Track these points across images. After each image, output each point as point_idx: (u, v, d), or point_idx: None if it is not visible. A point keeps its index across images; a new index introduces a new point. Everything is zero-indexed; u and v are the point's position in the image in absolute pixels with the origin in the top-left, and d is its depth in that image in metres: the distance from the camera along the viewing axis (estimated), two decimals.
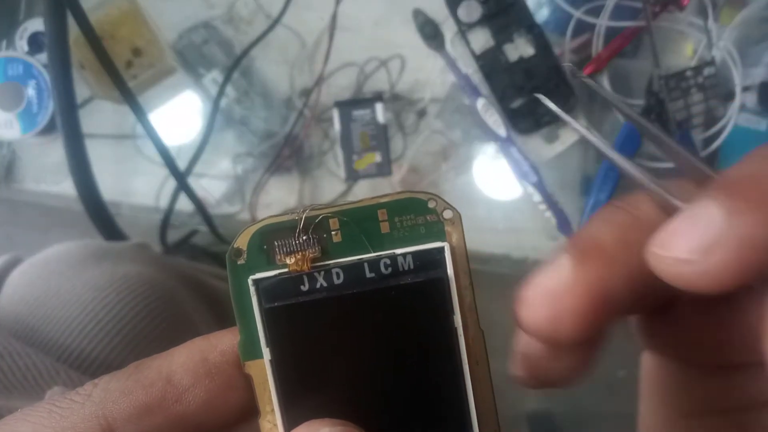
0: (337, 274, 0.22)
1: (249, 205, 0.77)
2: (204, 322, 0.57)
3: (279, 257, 0.22)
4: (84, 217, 0.59)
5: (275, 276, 0.22)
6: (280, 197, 0.78)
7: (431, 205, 0.22)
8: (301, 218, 0.21)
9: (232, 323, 0.23)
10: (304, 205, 0.22)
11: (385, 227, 0.22)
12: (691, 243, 0.16)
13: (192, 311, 0.56)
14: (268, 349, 0.22)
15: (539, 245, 0.74)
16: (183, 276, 0.59)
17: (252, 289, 0.22)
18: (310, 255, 0.22)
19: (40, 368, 0.43)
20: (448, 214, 0.22)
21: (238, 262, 0.22)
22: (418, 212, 0.22)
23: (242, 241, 0.22)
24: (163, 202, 0.75)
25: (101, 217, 0.60)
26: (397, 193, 0.22)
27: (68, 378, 0.43)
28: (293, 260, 0.22)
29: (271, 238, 0.22)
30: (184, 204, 0.73)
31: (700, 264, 0.16)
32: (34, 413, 0.21)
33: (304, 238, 0.22)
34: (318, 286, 0.22)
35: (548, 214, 0.72)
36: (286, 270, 0.22)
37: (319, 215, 0.22)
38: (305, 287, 0.22)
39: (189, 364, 0.22)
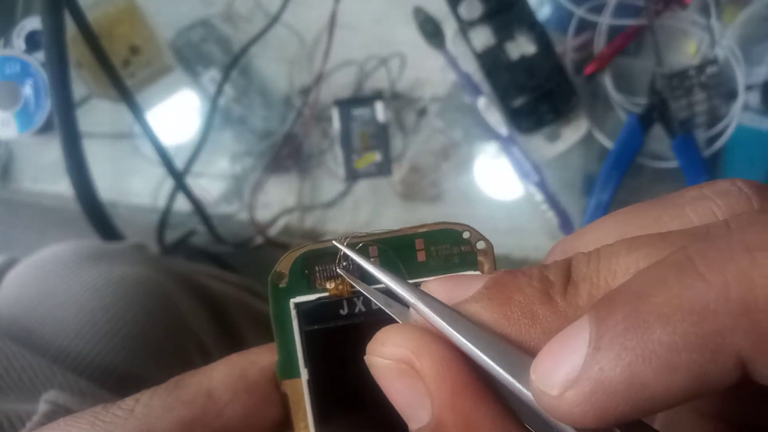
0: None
1: (247, 205, 0.77)
2: (201, 324, 0.57)
3: (319, 282, 0.23)
4: (81, 217, 0.59)
5: (316, 300, 0.23)
6: (279, 197, 0.78)
7: (466, 236, 0.23)
8: (342, 245, 0.22)
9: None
10: (345, 234, 0.23)
11: (421, 256, 0.23)
12: (554, 373, 0.16)
13: (189, 312, 0.55)
14: (306, 370, 0.23)
15: (541, 245, 0.73)
16: (180, 277, 0.58)
17: (293, 312, 0.23)
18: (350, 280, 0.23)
19: (37, 370, 0.42)
20: (481, 245, 0.23)
21: (280, 285, 0.23)
22: (453, 242, 0.23)
23: (284, 265, 0.23)
24: (161, 202, 0.74)
25: (98, 216, 0.59)
26: (434, 224, 0.23)
27: (65, 380, 0.42)
28: (333, 285, 0.23)
29: (312, 264, 0.23)
30: (181, 204, 0.73)
31: (554, 399, 0.16)
32: (77, 424, 0.22)
33: (345, 264, 0.23)
34: (357, 310, 0.23)
35: (550, 214, 0.72)
36: (326, 294, 0.23)
37: (359, 243, 0.23)
38: (344, 311, 0.23)
39: (228, 380, 0.23)
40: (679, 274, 0.15)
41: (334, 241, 0.22)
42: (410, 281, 0.22)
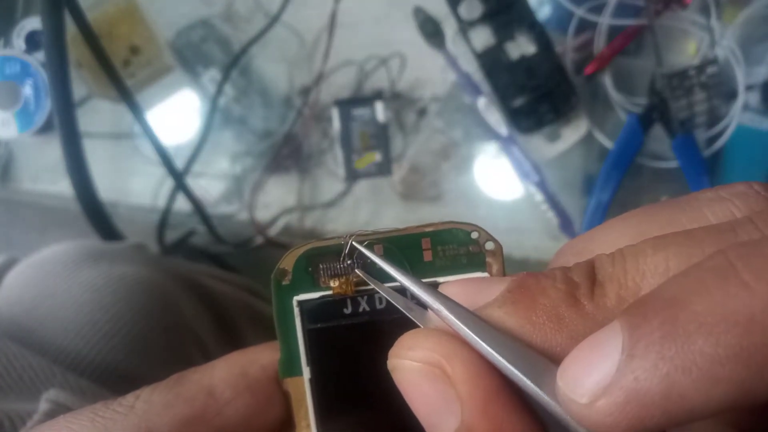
0: (380, 299, 0.23)
1: (247, 205, 0.77)
2: (201, 324, 0.57)
3: (323, 280, 0.23)
4: (81, 217, 0.59)
5: (319, 298, 0.23)
6: (279, 197, 0.78)
7: (474, 236, 0.22)
8: (347, 243, 0.22)
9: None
10: (350, 231, 0.22)
11: (428, 256, 0.23)
12: (584, 380, 0.15)
13: (189, 312, 0.55)
14: (308, 368, 0.23)
15: (541, 245, 0.73)
16: (180, 277, 0.58)
17: (296, 310, 0.23)
18: (354, 279, 0.22)
19: (37, 370, 0.42)
20: (490, 245, 0.23)
21: (283, 283, 0.23)
22: (461, 243, 0.22)
23: (288, 263, 0.23)
24: (161, 202, 0.74)
25: (98, 216, 0.59)
26: (442, 224, 0.23)
27: (65, 380, 0.42)
28: (337, 283, 0.22)
29: (316, 261, 0.23)
30: (181, 204, 0.73)
31: (584, 407, 0.15)
32: (77, 421, 0.22)
33: (349, 262, 0.22)
34: (360, 309, 0.23)
35: (550, 214, 0.72)
36: (329, 293, 0.23)
37: (365, 241, 0.22)
38: (348, 310, 0.23)
39: (229, 378, 0.23)
40: (722, 281, 0.14)
41: (351, 241, 0.22)
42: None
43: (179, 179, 0.69)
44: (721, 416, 0.21)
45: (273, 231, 0.77)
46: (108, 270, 0.50)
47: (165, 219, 0.73)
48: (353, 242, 0.22)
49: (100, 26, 0.70)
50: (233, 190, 0.78)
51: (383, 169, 0.74)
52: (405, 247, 0.22)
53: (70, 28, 0.54)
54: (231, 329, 0.61)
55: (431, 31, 0.73)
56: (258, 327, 0.64)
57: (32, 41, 0.70)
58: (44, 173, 0.79)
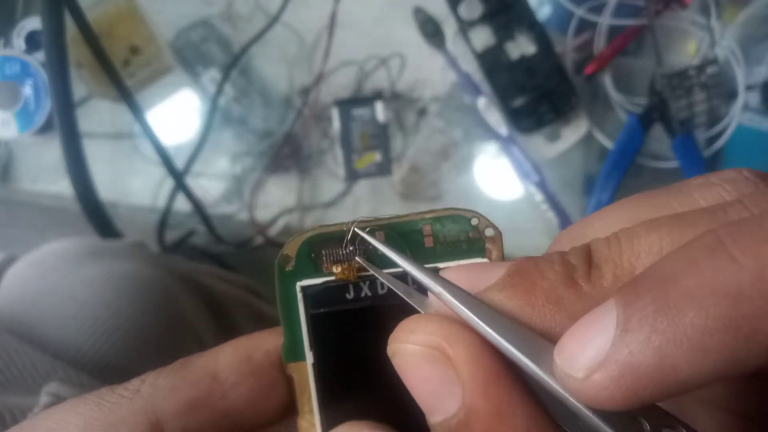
0: (382, 285, 0.23)
1: (247, 205, 0.77)
2: (201, 322, 0.57)
3: (326, 265, 0.23)
4: (81, 217, 0.59)
5: (322, 283, 0.23)
6: (279, 197, 0.78)
7: (474, 222, 0.23)
8: (350, 229, 0.23)
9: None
10: (353, 219, 0.23)
11: (428, 242, 0.23)
12: (580, 356, 0.16)
13: (189, 310, 0.55)
14: (311, 353, 0.23)
15: (541, 245, 0.73)
16: (180, 275, 0.58)
17: (299, 295, 0.23)
18: (356, 265, 0.23)
19: (38, 365, 0.42)
20: (489, 232, 0.23)
21: (287, 269, 0.23)
22: (461, 229, 0.23)
23: (291, 249, 0.23)
24: (161, 202, 0.74)
25: (98, 217, 0.59)
26: (442, 210, 0.23)
27: (65, 375, 0.42)
28: (340, 269, 0.23)
29: (319, 248, 0.23)
30: (181, 204, 0.73)
31: (580, 382, 0.16)
32: (83, 405, 0.22)
33: (351, 248, 0.23)
34: (362, 295, 0.23)
35: (550, 214, 0.72)
36: (332, 278, 0.23)
37: (367, 227, 0.23)
38: (350, 295, 0.23)
39: (234, 363, 0.23)
40: (711, 257, 0.15)
41: (354, 227, 0.22)
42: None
43: (179, 179, 0.69)
44: (712, 398, 0.22)
45: (273, 231, 0.77)
46: (109, 267, 0.50)
47: (165, 219, 0.73)
48: (355, 228, 0.22)
49: (100, 26, 0.70)
50: (233, 190, 0.78)
51: (383, 169, 0.74)
52: (406, 234, 0.23)
53: (70, 28, 0.54)
54: (231, 328, 0.61)
55: (431, 31, 0.73)
56: (258, 326, 0.64)
57: (32, 41, 0.70)
58: (44, 173, 0.79)
